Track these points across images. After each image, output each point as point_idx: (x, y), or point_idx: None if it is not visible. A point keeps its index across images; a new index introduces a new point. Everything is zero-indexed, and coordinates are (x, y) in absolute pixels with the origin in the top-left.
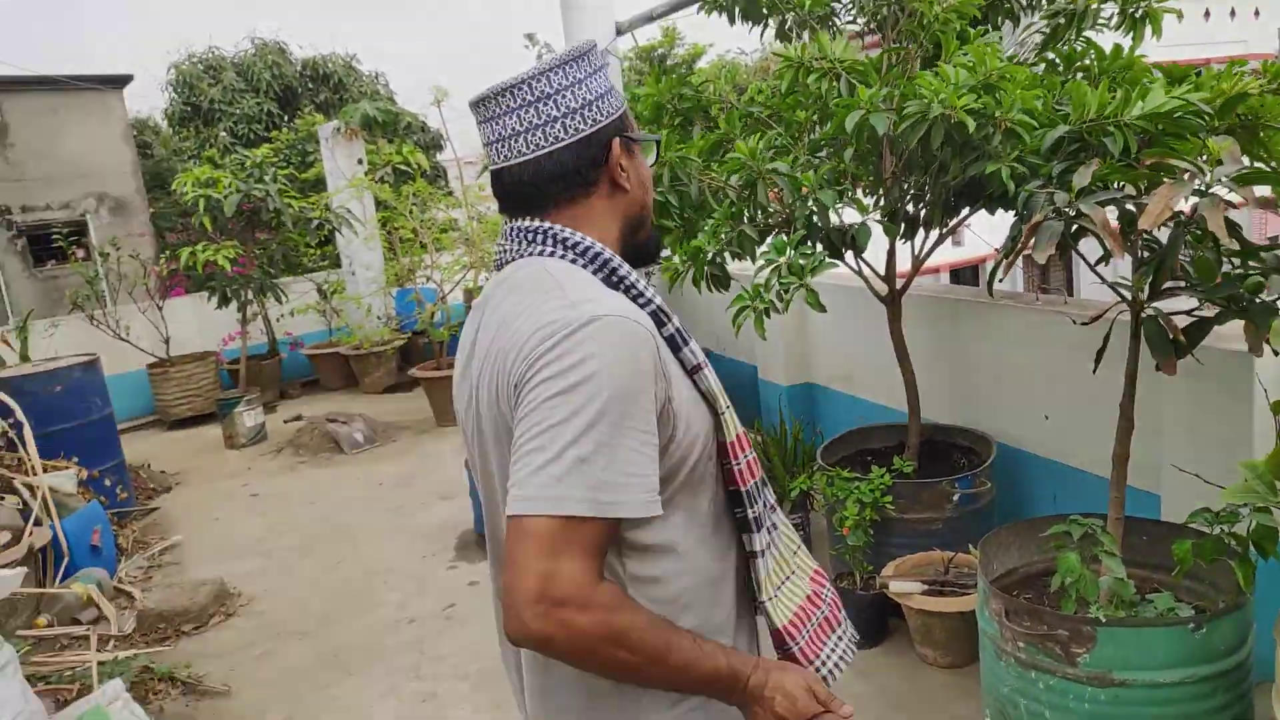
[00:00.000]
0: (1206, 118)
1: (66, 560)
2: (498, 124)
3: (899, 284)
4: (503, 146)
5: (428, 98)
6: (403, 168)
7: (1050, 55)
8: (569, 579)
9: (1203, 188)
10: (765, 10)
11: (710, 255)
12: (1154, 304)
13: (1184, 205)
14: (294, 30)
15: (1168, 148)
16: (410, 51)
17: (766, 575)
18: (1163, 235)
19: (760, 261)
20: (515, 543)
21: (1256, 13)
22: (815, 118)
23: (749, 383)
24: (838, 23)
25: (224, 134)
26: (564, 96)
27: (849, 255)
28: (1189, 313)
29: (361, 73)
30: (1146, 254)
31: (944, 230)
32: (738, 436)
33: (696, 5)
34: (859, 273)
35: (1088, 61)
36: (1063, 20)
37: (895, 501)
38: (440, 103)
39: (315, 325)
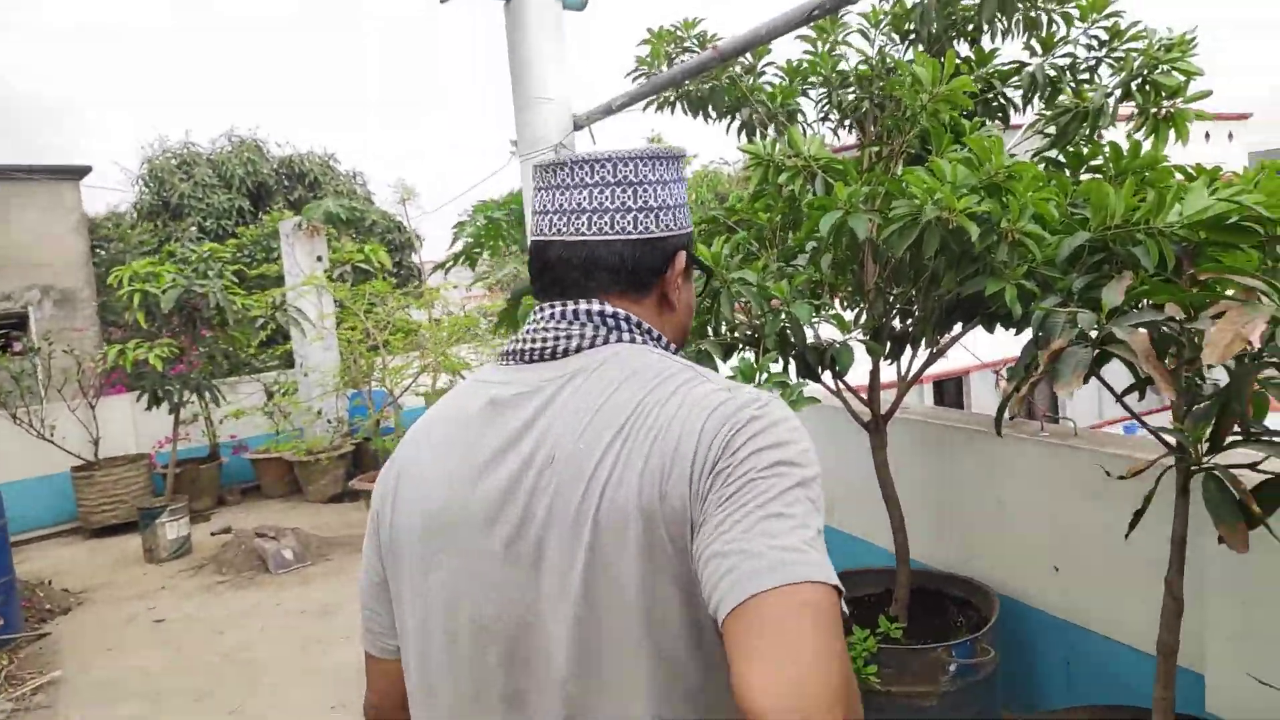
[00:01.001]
0: (1266, 224)
1: None
2: (564, 194)
3: (883, 408)
4: (559, 218)
5: (408, 199)
6: (363, 266)
7: (1054, 154)
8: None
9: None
10: (730, 103)
11: None
12: (1211, 456)
13: (1255, 335)
14: (279, 129)
15: (1214, 260)
16: (395, 154)
17: None
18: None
19: None
20: (789, 616)
21: (1230, 135)
22: (785, 221)
23: None
24: (803, 119)
25: (193, 229)
26: (646, 190)
27: (826, 375)
28: (1253, 466)
29: (338, 171)
30: (1194, 391)
31: (934, 350)
32: None
33: (656, 99)
34: (838, 394)
35: (1100, 161)
36: (1071, 119)
37: (880, 671)
38: (406, 200)
39: (264, 428)
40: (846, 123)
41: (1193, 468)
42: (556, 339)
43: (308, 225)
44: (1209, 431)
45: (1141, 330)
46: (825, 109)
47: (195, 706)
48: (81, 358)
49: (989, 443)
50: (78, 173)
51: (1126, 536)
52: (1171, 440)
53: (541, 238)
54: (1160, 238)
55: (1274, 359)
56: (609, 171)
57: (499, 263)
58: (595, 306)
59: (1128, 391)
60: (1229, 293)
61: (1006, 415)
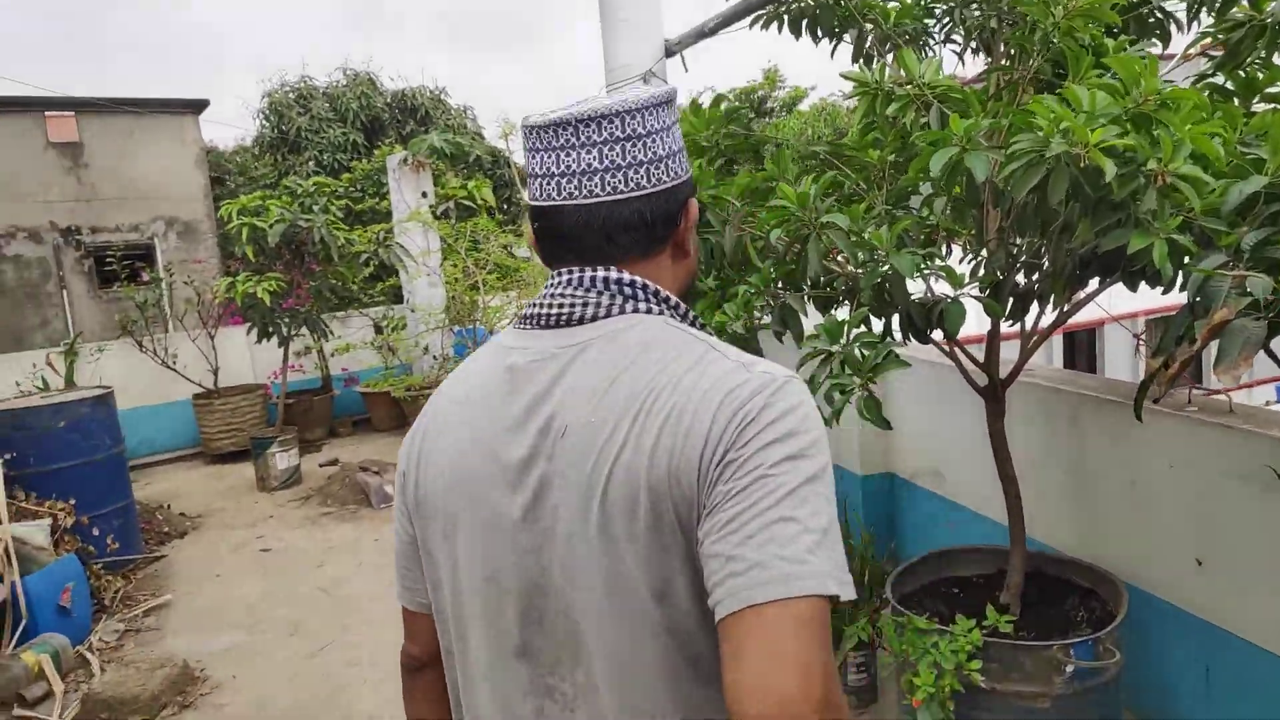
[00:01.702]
0: None
1: (25, 622)
2: (569, 155)
3: (1003, 373)
4: (569, 181)
5: (510, 134)
6: (466, 203)
7: (1219, 80)
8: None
9: None
10: (839, 22)
11: (739, 334)
12: None
13: None
14: (397, 63)
15: None
16: (508, 87)
17: None
18: None
19: (805, 348)
20: (784, 630)
21: None
22: (897, 158)
23: None
24: (930, 43)
25: (310, 163)
26: (654, 141)
27: (937, 333)
28: None
29: (449, 105)
30: None
31: (1064, 309)
32: None
33: (759, 18)
34: (951, 355)
35: (1278, 89)
36: (1244, 35)
37: (986, 667)
38: (508, 135)
39: (375, 362)
40: (973, 46)
41: None
42: (572, 306)
43: (413, 160)
44: None
45: None
46: (949, 29)
47: (290, 641)
48: (201, 289)
49: (1125, 415)
50: (197, 106)
51: None
52: None
53: (550, 203)
54: None
55: None
56: (617, 126)
57: None
58: (613, 274)
59: None
60: None
61: (1149, 398)
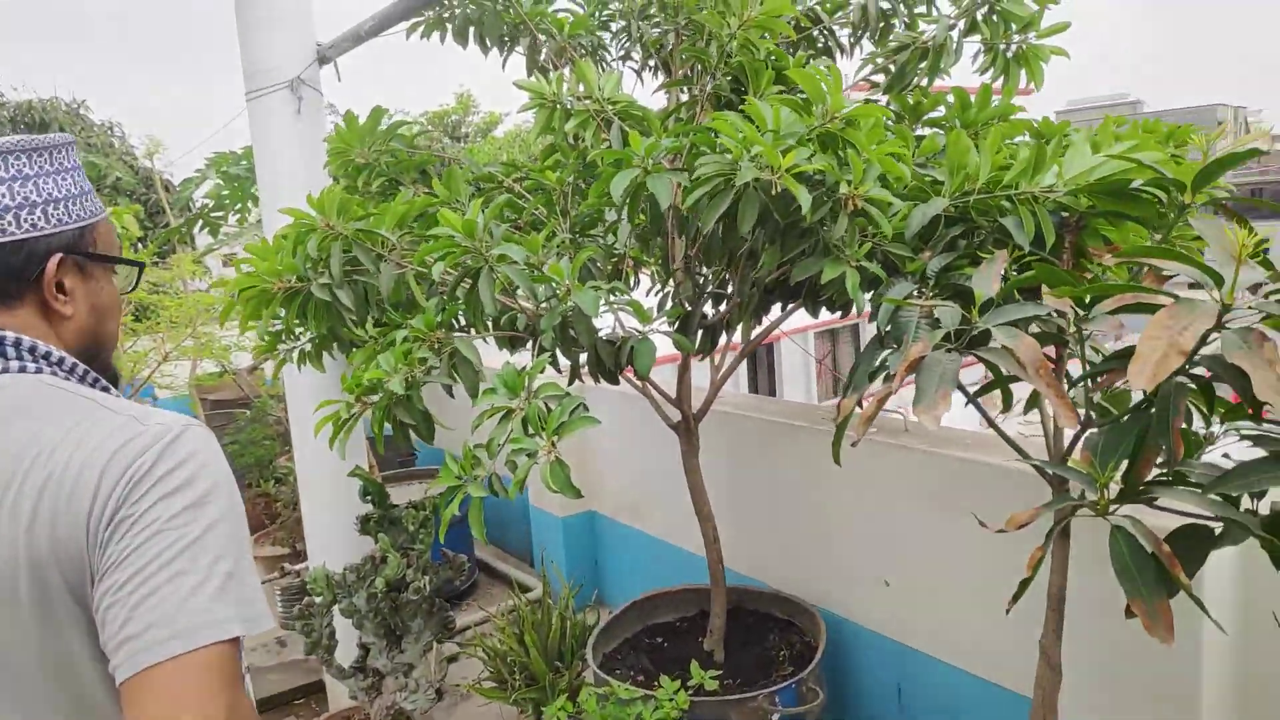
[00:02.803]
0: (1169, 189)
1: None
2: None
3: (696, 404)
4: None
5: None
6: None
7: (884, 102)
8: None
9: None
10: (509, 31)
11: (397, 393)
12: (1123, 507)
13: (1190, 344)
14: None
15: (1103, 238)
16: (175, 105)
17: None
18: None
19: (481, 404)
20: (185, 683)
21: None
22: (578, 180)
23: (518, 512)
24: (607, 57)
25: None
26: None
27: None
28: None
29: (91, 121)
30: (1096, 416)
31: (748, 342)
32: None
33: (416, 24)
34: (643, 391)
35: (939, 113)
36: (909, 58)
37: None
38: (154, 155)
39: None
40: (652, 64)
41: (1105, 515)
42: None
43: None
44: (1122, 471)
45: (1028, 335)
46: (626, 46)
47: None
48: None
49: (811, 439)
50: None
51: (1007, 612)
52: (1053, 472)
53: None
54: (1036, 205)
55: (1200, 372)
56: None
57: (244, 229)
58: None
59: (984, 392)
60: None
61: (848, 440)
